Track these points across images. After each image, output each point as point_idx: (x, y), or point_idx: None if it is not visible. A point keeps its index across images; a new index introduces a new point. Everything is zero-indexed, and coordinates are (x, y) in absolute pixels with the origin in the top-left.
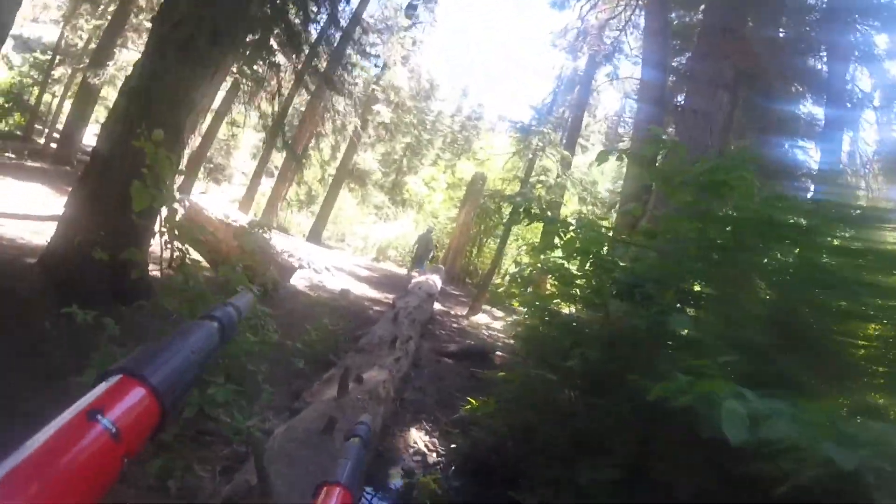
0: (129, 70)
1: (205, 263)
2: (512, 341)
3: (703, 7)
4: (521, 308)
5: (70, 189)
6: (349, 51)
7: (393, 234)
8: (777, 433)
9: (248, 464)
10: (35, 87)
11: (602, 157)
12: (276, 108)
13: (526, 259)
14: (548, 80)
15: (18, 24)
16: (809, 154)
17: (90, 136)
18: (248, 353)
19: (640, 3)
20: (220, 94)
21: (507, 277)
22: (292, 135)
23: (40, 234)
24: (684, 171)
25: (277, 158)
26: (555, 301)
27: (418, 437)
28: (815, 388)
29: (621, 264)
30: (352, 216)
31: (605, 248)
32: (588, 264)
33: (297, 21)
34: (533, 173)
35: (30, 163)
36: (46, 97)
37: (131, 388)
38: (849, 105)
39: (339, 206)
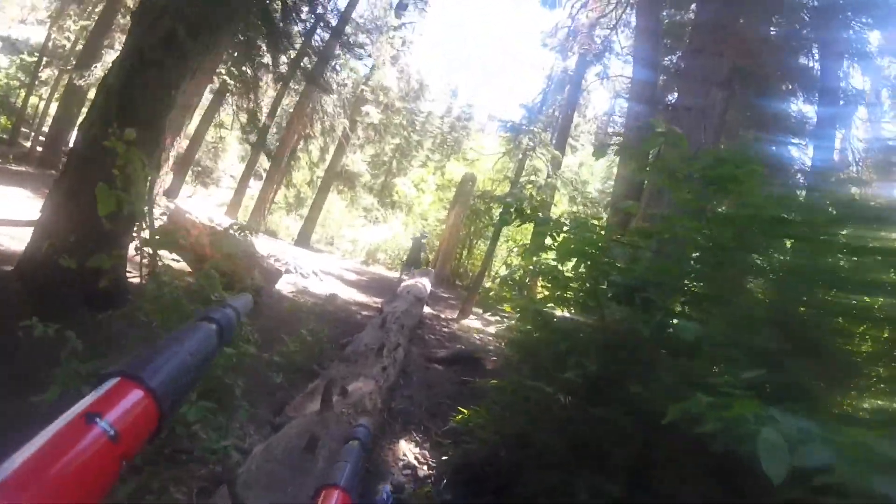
0: None
1: (187, 269)
2: (503, 345)
3: (694, 5)
4: (513, 312)
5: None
6: (338, 51)
7: (382, 237)
8: (813, 462)
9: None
10: (22, 90)
11: (599, 153)
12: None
13: (517, 261)
14: (538, 80)
15: (6, 25)
16: (802, 151)
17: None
18: (224, 366)
19: (631, 1)
20: (207, 97)
21: (498, 280)
22: (280, 136)
23: (20, 240)
24: (689, 164)
25: (265, 161)
26: (548, 305)
27: (408, 450)
28: (823, 394)
29: (618, 266)
30: (340, 219)
31: (601, 249)
32: (582, 266)
33: (281, 24)
34: (523, 173)
35: (14, 167)
36: (33, 100)
37: (129, 390)
38: (842, 102)
39: (328, 208)
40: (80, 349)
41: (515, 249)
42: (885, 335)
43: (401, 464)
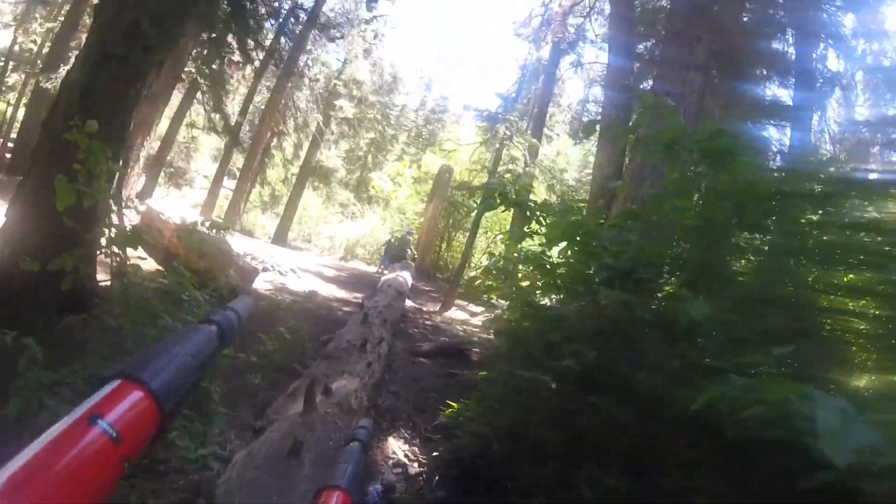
0: None
1: (160, 269)
2: (489, 336)
3: None
4: (499, 301)
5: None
6: (310, 45)
7: (360, 232)
8: (862, 443)
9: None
10: None
11: (587, 130)
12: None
13: (500, 249)
14: (512, 70)
15: None
16: (780, 135)
17: None
18: None
19: None
20: (177, 96)
21: (482, 270)
22: (253, 134)
23: None
24: (686, 136)
25: (239, 160)
26: (536, 292)
27: (397, 447)
28: (828, 374)
29: (609, 248)
30: (317, 216)
31: (591, 232)
32: (571, 251)
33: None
34: (500, 163)
35: None
36: (0, 105)
37: (131, 392)
38: (818, 85)
39: (304, 205)
40: (40, 357)
41: (500, 237)
42: (884, 312)
43: (390, 462)
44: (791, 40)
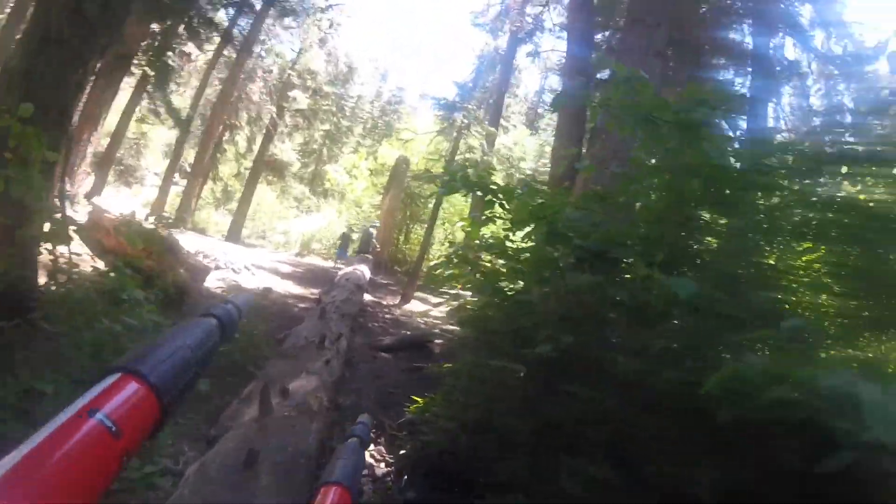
0: None
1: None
2: (452, 327)
3: None
4: (462, 291)
5: None
6: (263, 36)
7: (316, 227)
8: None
9: None
10: None
11: (559, 102)
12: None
13: (460, 238)
14: (470, 60)
15: None
16: (737, 124)
17: None
18: None
19: None
20: (127, 91)
21: (443, 257)
22: (204, 128)
23: None
24: (663, 106)
25: (191, 156)
26: (501, 280)
27: None
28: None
29: (578, 229)
30: (272, 211)
31: (558, 213)
32: (536, 234)
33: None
34: (458, 152)
35: None
36: None
37: (131, 385)
38: (774, 74)
39: (258, 201)
40: None
41: (460, 224)
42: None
43: None
44: (748, 30)
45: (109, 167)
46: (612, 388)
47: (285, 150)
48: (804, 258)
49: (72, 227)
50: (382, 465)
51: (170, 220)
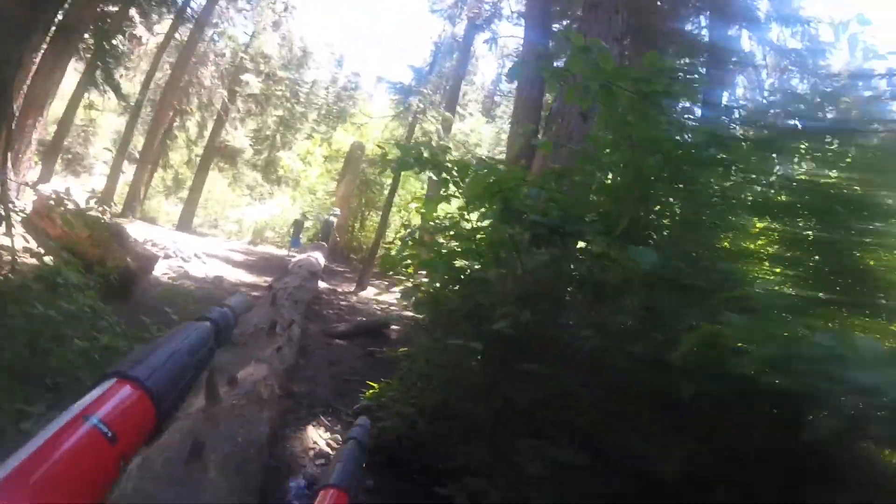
0: None
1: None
2: (409, 313)
3: None
4: (418, 274)
5: None
6: (216, 19)
7: (269, 215)
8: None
9: None
10: None
11: (515, 71)
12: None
13: (417, 221)
14: (427, 46)
15: None
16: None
17: None
18: (72, 362)
19: None
20: (74, 76)
21: (399, 239)
22: (153, 114)
23: None
24: (623, 74)
25: (140, 143)
26: (456, 260)
27: (317, 436)
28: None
29: (535, 206)
30: (223, 199)
31: (514, 189)
32: (491, 211)
33: None
34: (414, 137)
35: None
36: None
37: (127, 390)
38: (729, 64)
39: (209, 188)
40: None
41: (414, 205)
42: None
43: (311, 453)
44: (705, 22)
45: (57, 155)
46: (572, 366)
47: (237, 136)
48: (761, 235)
49: (15, 216)
50: None
51: (114, 206)
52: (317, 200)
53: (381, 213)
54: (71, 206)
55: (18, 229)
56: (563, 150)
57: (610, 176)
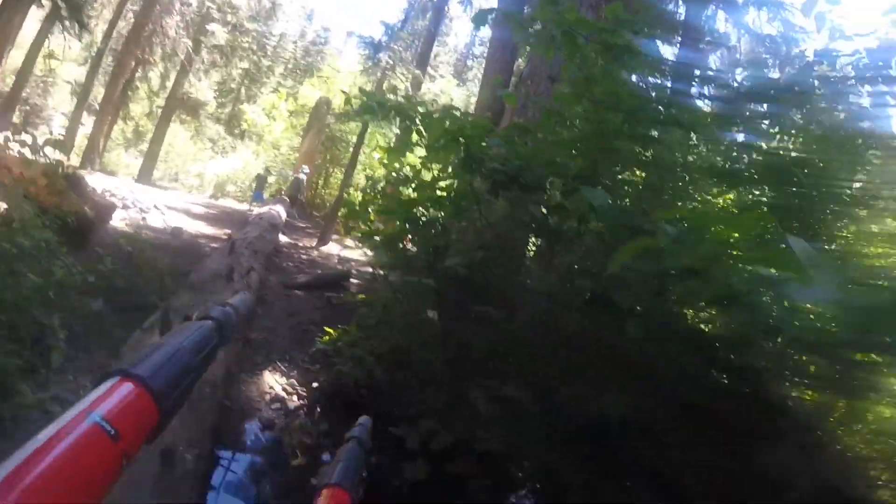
0: None
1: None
2: (370, 269)
3: None
4: (380, 219)
5: None
6: None
7: (231, 169)
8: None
9: None
10: None
11: (481, 17)
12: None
13: (380, 172)
14: (400, 4)
15: None
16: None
17: None
18: (29, 299)
19: None
20: (35, 26)
21: (362, 189)
22: (114, 64)
23: None
24: (586, 25)
25: (101, 95)
26: (416, 208)
27: (274, 381)
28: None
29: (496, 154)
30: (185, 152)
31: (477, 136)
32: (454, 160)
33: None
34: (382, 93)
35: None
36: None
37: (129, 389)
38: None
39: (171, 141)
40: None
41: (378, 156)
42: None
43: (267, 398)
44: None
45: (14, 106)
46: (526, 311)
47: (201, 88)
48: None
49: None
50: (295, 398)
51: (73, 158)
52: (280, 156)
53: (345, 170)
54: (27, 152)
55: None
56: (530, 112)
57: (570, 132)
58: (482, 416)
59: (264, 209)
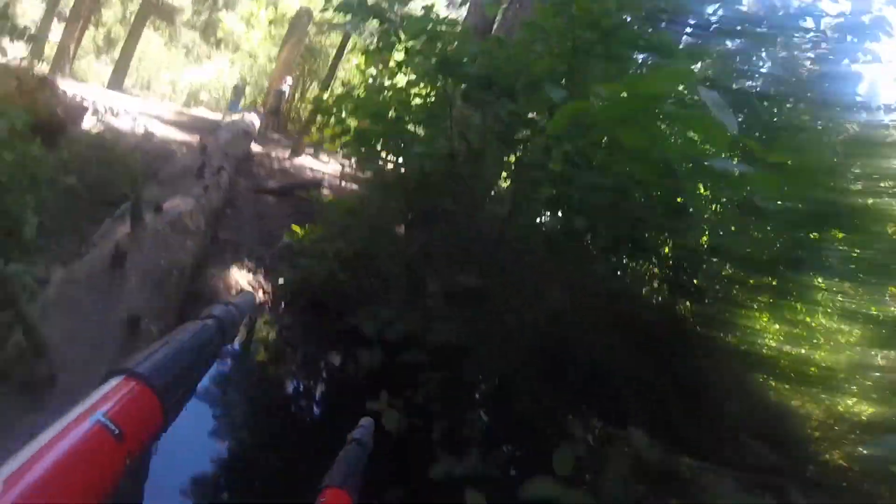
0: None
1: None
2: (341, 179)
3: None
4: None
5: None
6: None
7: (205, 77)
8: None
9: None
10: None
11: None
12: None
13: (357, 79)
14: None
15: None
16: None
17: None
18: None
19: None
20: None
21: (337, 96)
22: None
23: None
24: None
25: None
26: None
27: (240, 277)
28: None
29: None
30: (158, 60)
31: (455, 37)
32: (428, 62)
33: None
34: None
35: None
36: None
37: (133, 388)
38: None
39: (143, 48)
40: None
41: (356, 61)
42: None
43: (234, 291)
44: None
45: None
46: (486, 210)
47: None
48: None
49: None
50: (261, 292)
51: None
52: (257, 66)
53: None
54: None
55: None
56: (516, 35)
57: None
58: (437, 309)
59: (238, 117)
